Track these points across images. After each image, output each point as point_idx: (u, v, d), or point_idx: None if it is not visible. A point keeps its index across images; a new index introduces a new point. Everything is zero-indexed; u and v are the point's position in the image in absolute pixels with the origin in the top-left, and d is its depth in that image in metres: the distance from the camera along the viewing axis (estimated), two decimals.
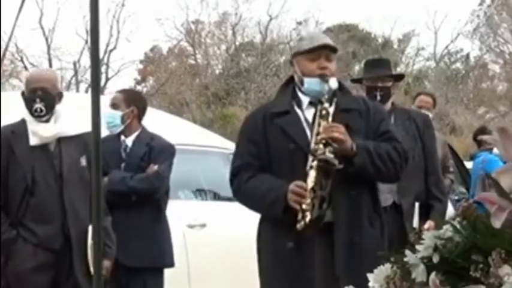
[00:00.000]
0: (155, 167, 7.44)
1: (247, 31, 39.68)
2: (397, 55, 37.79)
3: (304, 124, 5.47)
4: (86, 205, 6.41)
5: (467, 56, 40.15)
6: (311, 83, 5.45)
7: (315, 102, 5.43)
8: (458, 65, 41.21)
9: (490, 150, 11.36)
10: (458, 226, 2.91)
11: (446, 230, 2.92)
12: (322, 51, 5.57)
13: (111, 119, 7.47)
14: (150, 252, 7.46)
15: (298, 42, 5.84)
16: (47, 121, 6.53)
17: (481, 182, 10.47)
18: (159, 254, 7.56)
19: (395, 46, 39.90)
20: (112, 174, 7.39)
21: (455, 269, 2.84)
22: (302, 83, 5.52)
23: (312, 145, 5.26)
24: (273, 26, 38.50)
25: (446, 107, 34.79)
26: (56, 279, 6.41)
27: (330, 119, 5.32)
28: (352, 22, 39.79)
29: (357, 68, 33.84)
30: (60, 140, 6.52)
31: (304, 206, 5.13)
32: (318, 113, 5.37)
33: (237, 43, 39.82)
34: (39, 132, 6.44)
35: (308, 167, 5.23)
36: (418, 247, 2.91)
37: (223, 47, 40.57)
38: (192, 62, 40.77)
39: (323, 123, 5.30)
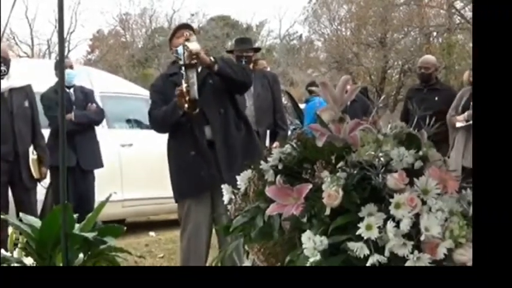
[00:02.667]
0: (94, 105, 7.70)
1: (159, 20, 39.50)
2: (256, 35, 37.74)
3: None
4: (28, 132, 6.67)
5: (301, 36, 40.37)
6: (179, 49, 5.31)
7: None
8: (294, 42, 41.40)
9: (317, 96, 11.41)
10: (294, 145, 2.88)
11: (287, 148, 2.90)
12: (183, 30, 5.56)
13: (73, 75, 7.71)
14: (95, 159, 7.55)
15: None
16: (6, 78, 6.60)
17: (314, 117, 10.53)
18: (98, 160, 7.64)
19: (254, 29, 39.84)
20: (75, 112, 7.66)
21: (292, 173, 2.81)
22: (177, 52, 5.38)
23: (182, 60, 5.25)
24: (175, 16, 38.41)
25: (287, 68, 35.07)
26: (12, 180, 6.54)
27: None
28: (227, 14, 39.90)
29: (230, 44, 33.63)
30: (11, 90, 6.60)
31: (186, 98, 5.12)
32: (183, 52, 5.25)
33: (152, 28, 39.68)
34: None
35: (184, 78, 5.21)
36: (269, 159, 2.88)
37: (143, 30, 40.37)
38: (123, 40, 40.52)
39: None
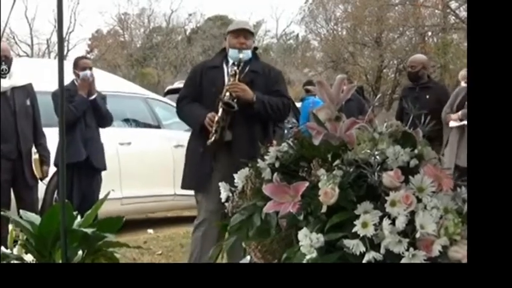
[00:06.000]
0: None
1: (157, 20, 39.54)
2: None
3: (226, 76, 5.55)
4: (30, 131, 6.64)
5: (297, 35, 40.44)
6: (232, 52, 5.56)
7: (235, 63, 5.51)
8: (291, 41, 41.43)
9: (314, 95, 11.43)
10: (291, 144, 2.88)
11: (284, 146, 2.89)
12: (242, 32, 5.61)
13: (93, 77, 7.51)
14: (103, 158, 7.45)
15: (230, 25, 5.78)
16: (8, 77, 6.59)
17: (310, 116, 10.53)
18: (104, 159, 7.54)
19: None
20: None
21: (289, 171, 2.81)
22: (228, 51, 5.60)
23: (223, 94, 5.40)
24: (173, 16, 38.49)
25: (284, 68, 35.01)
26: (14, 178, 6.52)
27: (237, 77, 5.43)
28: (224, 14, 39.88)
29: None
30: (13, 89, 6.58)
31: (212, 129, 5.33)
32: (229, 73, 5.49)
33: (151, 27, 39.69)
34: (2, 84, 6.46)
35: (219, 107, 5.36)
36: (266, 157, 2.88)
37: (142, 29, 40.38)
38: (122, 39, 40.52)
39: (231, 80, 5.44)
